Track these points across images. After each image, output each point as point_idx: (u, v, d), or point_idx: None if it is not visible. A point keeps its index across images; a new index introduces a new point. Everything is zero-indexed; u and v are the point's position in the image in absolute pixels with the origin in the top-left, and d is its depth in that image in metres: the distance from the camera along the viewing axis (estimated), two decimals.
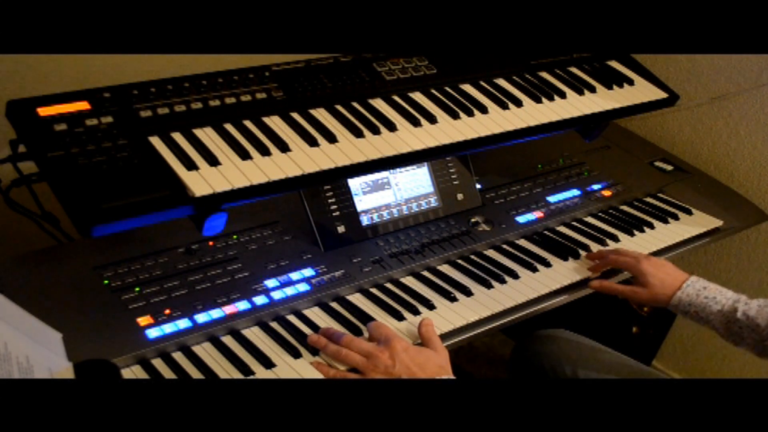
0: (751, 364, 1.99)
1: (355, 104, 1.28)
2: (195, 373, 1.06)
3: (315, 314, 1.21)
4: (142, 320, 1.11)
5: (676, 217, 1.63)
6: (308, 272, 1.27)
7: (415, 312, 1.23)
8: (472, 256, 1.41)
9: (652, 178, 1.78)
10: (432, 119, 1.30)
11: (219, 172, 1.07)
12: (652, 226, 1.58)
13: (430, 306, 1.25)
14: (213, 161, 1.08)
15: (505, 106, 1.39)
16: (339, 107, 1.26)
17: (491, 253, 1.44)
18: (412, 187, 1.45)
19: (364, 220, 1.39)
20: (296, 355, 1.11)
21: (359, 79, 1.33)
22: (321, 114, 1.24)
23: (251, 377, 1.07)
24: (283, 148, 1.14)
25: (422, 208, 1.46)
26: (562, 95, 1.47)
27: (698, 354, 2.09)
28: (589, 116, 1.47)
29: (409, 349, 1.08)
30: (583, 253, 1.45)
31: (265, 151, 1.13)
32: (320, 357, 1.12)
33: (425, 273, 1.35)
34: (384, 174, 1.42)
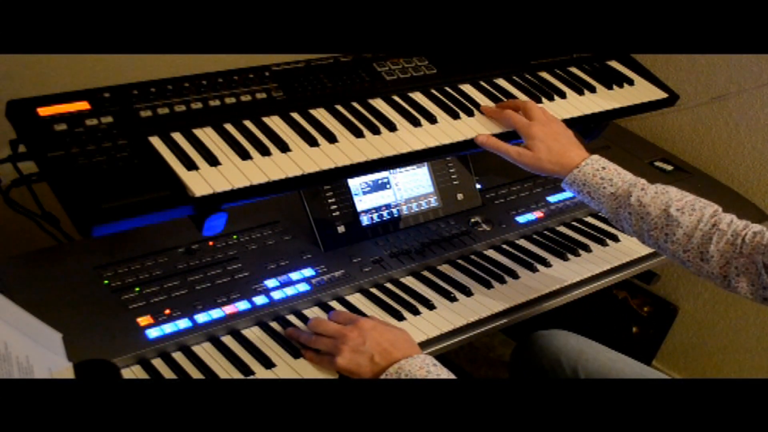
0: (751, 364, 1.98)
1: (355, 104, 1.28)
2: (195, 373, 1.06)
3: (315, 314, 1.21)
4: (142, 320, 1.11)
5: None
6: (308, 272, 1.27)
7: (415, 312, 1.23)
8: (472, 256, 1.41)
9: (652, 178, 1.77)
10: (432, 119, 1.30)
11: (219, 172, 1.07)
12: None
13: (430, 306, 1.25)
14: (213, 161, 1.08)
15: None
16: (339, 107, 1.26)
17: (491, 253, 1.43)
18: (412, 187, 1.45)
19: (364, 220, 1.39)
20: (296, 355, 1.11)
21: (359, 79, 1.33)
22: (321, 114, 1.24)
23: (251, 377, 1.07)
24: (283, 148, 1.14)
25: (422, 208, 1.46)
26: (562, 95, 1.47)
27: (698, 354, 2.09)
28: (589, 116, 1.47)
29: (377, 326, 1.07)
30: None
31: (265, 151, 1.13)
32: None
33: (425, 273, 1.35)
34: (384, 174, 1.42)
